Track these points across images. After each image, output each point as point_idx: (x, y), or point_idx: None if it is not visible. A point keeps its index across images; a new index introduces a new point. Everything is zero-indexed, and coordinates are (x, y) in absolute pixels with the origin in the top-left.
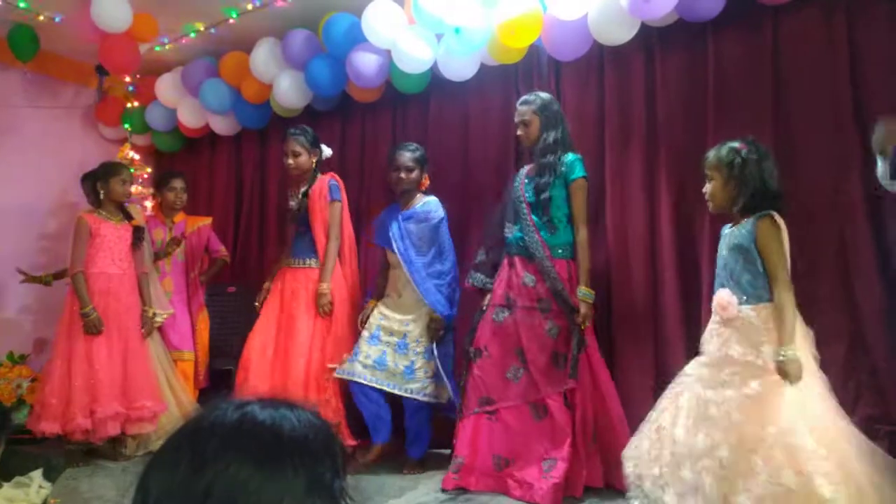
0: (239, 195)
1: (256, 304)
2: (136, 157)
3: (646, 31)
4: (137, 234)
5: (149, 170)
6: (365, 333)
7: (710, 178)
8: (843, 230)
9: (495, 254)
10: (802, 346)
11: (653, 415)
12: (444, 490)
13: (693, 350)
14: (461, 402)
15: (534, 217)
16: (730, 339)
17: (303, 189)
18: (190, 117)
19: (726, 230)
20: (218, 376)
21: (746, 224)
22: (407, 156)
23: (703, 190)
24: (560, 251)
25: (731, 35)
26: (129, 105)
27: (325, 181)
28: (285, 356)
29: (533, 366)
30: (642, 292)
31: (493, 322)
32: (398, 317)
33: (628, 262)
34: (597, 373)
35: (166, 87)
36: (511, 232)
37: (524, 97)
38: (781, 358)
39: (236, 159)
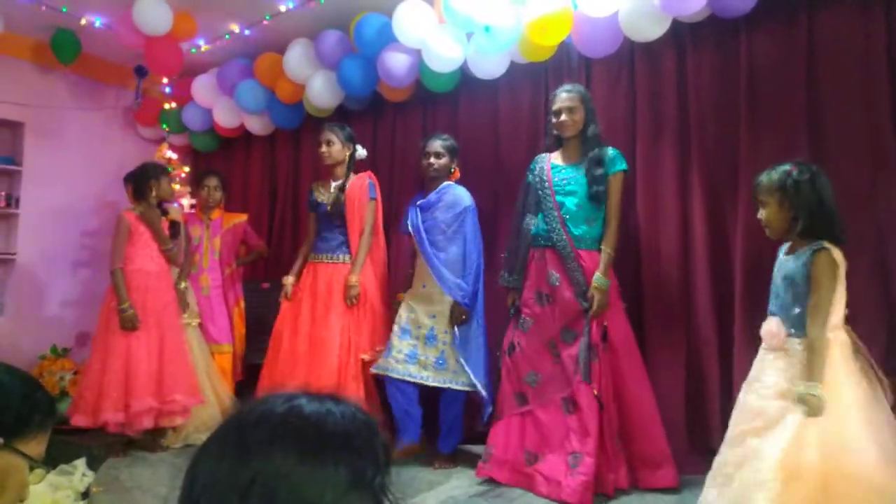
0: (273, 194)
1: (282, 298)
2: (174, 156)
3: (677, 28)
4: (174, 229)
5: (186, 169)
6: (396, 328)
7: (764, 203)
8: (881, 230)
9: (518, 249)
10: (849, 379)
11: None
12: (477, 477)
13: (725, 350)
14: (495, 400)
15: (564, 210)
16: (768, 367)
17: (335, 184)
18: (225, 117)
19: (782, 253)
20: (253, 370)
21: (802, 255)
22: (437, 143)
23: (759, 216)
24: (597, 244)
25: (765, 31)
26: (166, 106)
27: (365, 179)
28: (319, 349)
29: (563, 361)
30: (674, 291)
31: (525, 319)
32: (425, 308)
33: (659, 260)
34: (629, 370)
35: (202, 88)
36: (534, 224)
37: (566, 86)
38: (804, 391)
39: (270, 159)
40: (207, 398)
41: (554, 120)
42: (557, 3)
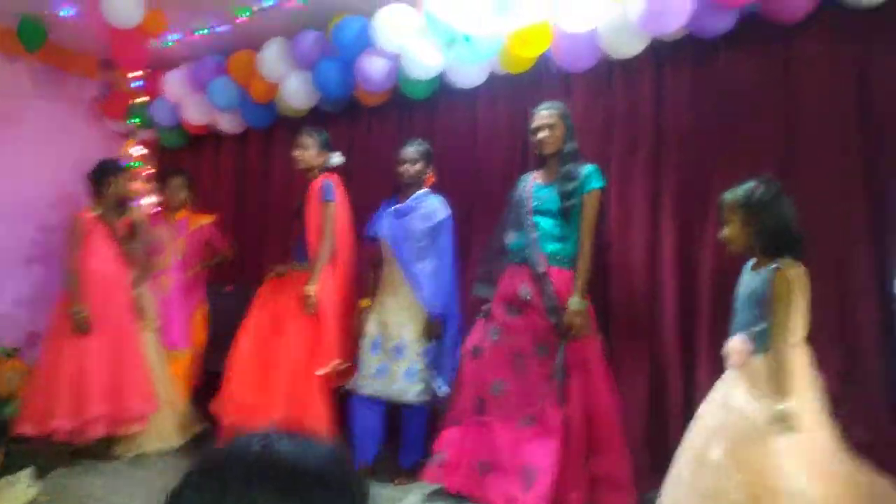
0: (242, 194)
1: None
2: (144, 151)
3: (656, 46)
4: (134, 229)
5: (152, 166)
6: (364, 344)
7: (728, 220)
8: (845, 253)
9: (497, 262)
10: (806, 395)
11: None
12: (425, 481)
13: (689, 368)
14: (451, 400)
15: (540, 227)
16: (735, 386)
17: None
18: (196, 114)
19: (747, 270)
20: (212, 377)
21: (764, 272)
22: (411, 150)
23: (722, 234)
24: (569, 263)
25: (742, 53)
26: (134, 100)
27: (319, 181)
28: (273, 361)
29: (527, 378)
30: (641, 306)
31: (495, 327)
32: (395, 319)
33: (628, 274)
34: (600, 391)
35: (173, 83)
36: (512, 240)
37: (546, 102)
38: (776, 411)
39: (240, 158)
40: (163, 406)
41: (533, 138)
42: (537, 17)
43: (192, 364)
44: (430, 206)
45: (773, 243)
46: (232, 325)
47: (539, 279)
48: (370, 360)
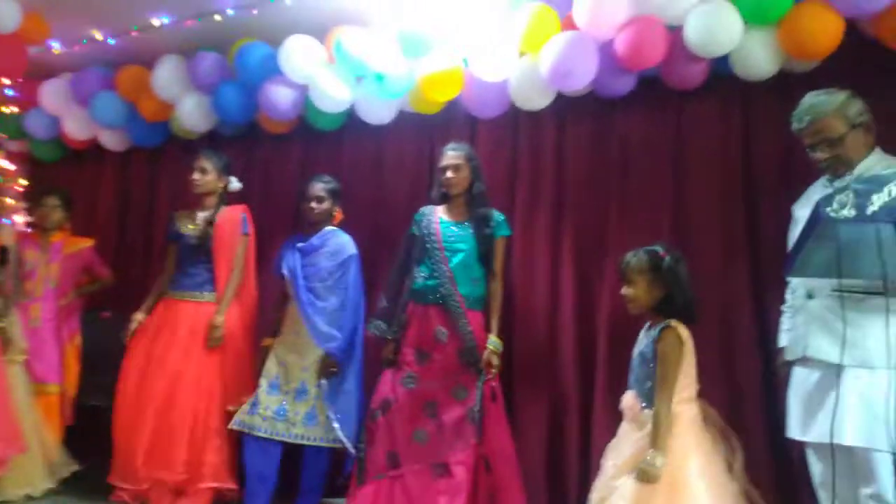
0: (124, 216)
1: (126, 335)
2: (12, 167)
3: (560, 100)
4: (1, 253)
5: (22, 181)
6: (263, 383)
7: (632, 281)
8: (730, 306)
9: (398, 301)
10: (687, 451)
11: None
12: None
13: (586, 415)
14: (363, 457)
15: (453, 265)
16: (628, 439)
17: (203, 216)
18: (76, 128)
19: (644, 329)
20: (86, 413)
21: (652, 332)
22: (319, 186)
23: (623, 291)
24: (479, 303)
25: (638, 112)
26: (3, 109)
27: (238, 213)
28: (175, 395)
29: (442, 423)
30: (542, 352)
31: (403, 379)
32: (297, 360)
33: (529, 320)
34: (499, 433)
35: (52, 94)
36: (422, 278)
37: (453, 144)
38: (647, 461)
39: (124, 177)
40: (30, 447)
41: (442, 177)
42: (450, 63)
43: (62, 400)
44: (338, 244)
45: (673, 307)
46: (110, 354)
47: (456, 318)
48: (267, 401)
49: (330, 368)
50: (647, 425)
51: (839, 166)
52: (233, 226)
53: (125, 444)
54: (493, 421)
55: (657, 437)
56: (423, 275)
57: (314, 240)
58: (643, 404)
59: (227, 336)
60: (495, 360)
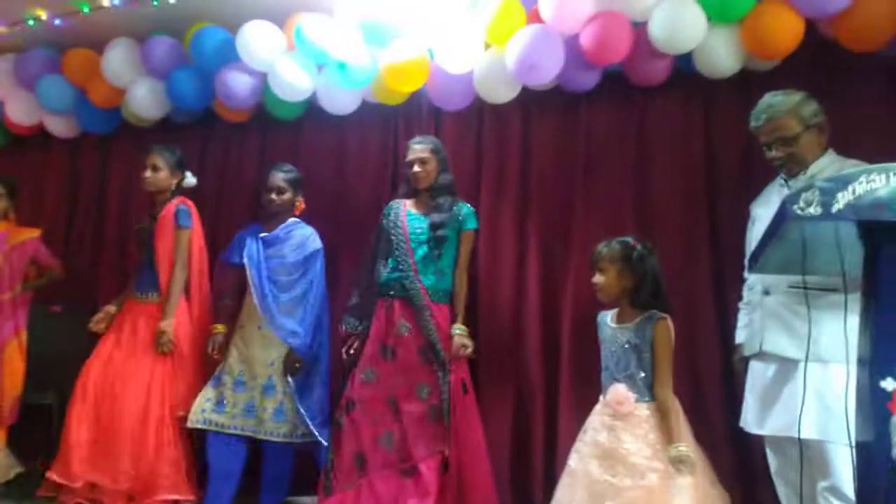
0: (73, 205)
1: (91, 325)
2: None
3: (526, 93)
4: None
5: None
6: (228, 380)
7: (603, 269)
8: (691, 300)
9: (369, 296)
10: (689, 438)
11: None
12: None
13: (551, 407)
14: (329, 466)
15: (418, 258)
16: (621, 434)
17: (153, 213)
18: (21, 113)
19: (608, 320)
20: (33, 412)
21: (642, 325)
22: (280, 176)
23: (594, 280)
24: (445, 296)
25: (603, 107)
26: None
27: (173, 205)
28: (120, 399)
29: (406, 421)
30: (507, 343)
31: (365, 373)
32: (261, 355)
33: (494, 311)
34: (471, 430)
35: None
36: (387, 271)
37: (418, 137)
38: (678, 452)
39: (72, 165)
40: None
41: (409, 171)
42: (415, 52)
43: (2, 399)
44: (302, 237)
45: (646, 297)
46: (60, 350)
47: (419, 312)
48: (235, 398)
49: (295, 364)
50: (644, 419)
51: (793, 165)
52: (168, 220)
53: (65, 440)
54: (464, 416)
55: (673, 428)
56: (388, 268)
57: (279, 231)
58: (636, 396)
59: (177, 338)
60: (467, 342)
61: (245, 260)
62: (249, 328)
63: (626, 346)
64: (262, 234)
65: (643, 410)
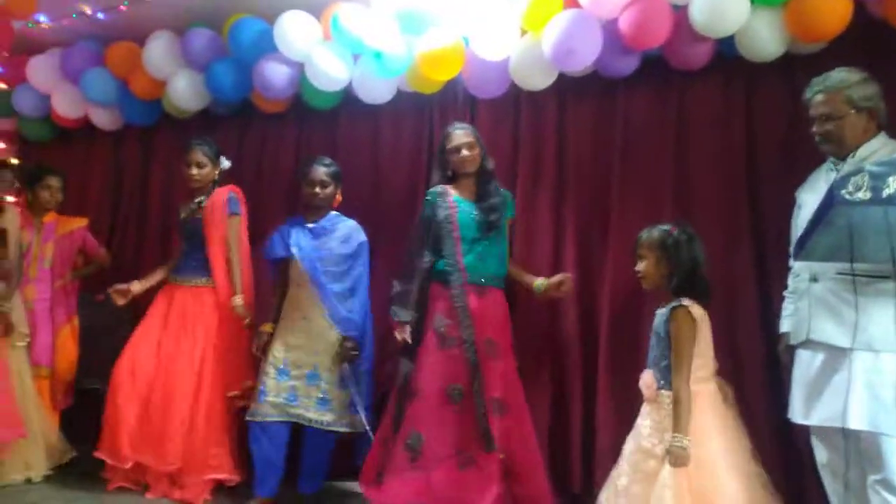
0: (117, 196)
1: (113, 291)
2: (0, 145)
3: (561, 80)
4: (1, 237)
5: (13, 161)
6: (271, 369)
7: (643, 256)
8: (732, 288)
9: (416, 284)
10: (707, 430)
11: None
12: None
13: (589, 395)
14: (381, 449)
15: (470, 244)
16: (646, 419)
17: (197, 200)
18: (66, 106)
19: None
20: (84, 396)
21: (665, 313)
22: (322, 170)
23: (637, 268)
24: (500, 282)
25: (641, 93)
26: None
27: (224, 193)
28: (171, 381)
29: (462, 411)
30: (543, 331)
31: (420, 362)
32: (306, 344)
33: (530, 299)
34: (521, 413)
35: (40, 70)
36: (441, 259)
37: (458, 124)
38: (670, 444)
39: (116, 157)
40: (32, 431)
41: (455, 157)
42: (450, 40)
43: (56, 383)
44: (348, 229)
45: (683, 284)
46: (104, 337)
47: (458, 304)
48: (278, 388)
49: (352, 352)
50: (663, 406)
51: (831, 145)
52: (220, 207)
53: (112, 421)
54: (515, 404)
55: (679, 419)
56: (442, 255)
57: (325, 223)
58: (660, 383)
59: (223, 320)
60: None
61: (295, 251)
62: (294, 319)
63: (654, 332)
64: (309, 226)
65: (664, 398)
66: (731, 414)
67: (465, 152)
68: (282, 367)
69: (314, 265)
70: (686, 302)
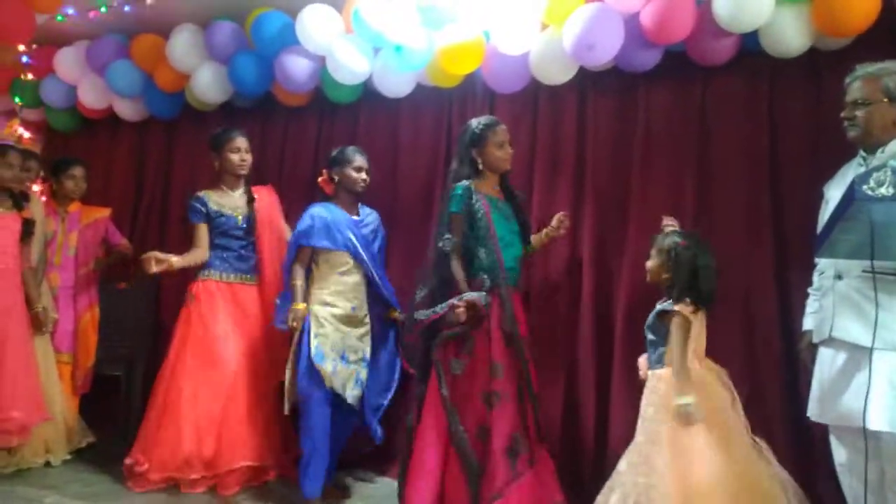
0: (140, 187)
1: (149, 256)
2: (28, 135)
3: (581, 74)
4: (27, 226)
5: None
6: (332, 353)
7: (651, 255)
8: (751, 285)
9: (446, 288)
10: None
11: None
12: None
13: (603, 383)
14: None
15: (504, 244)
16: (647, 397)
17: (236, 194)
18: (92, 97)
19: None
20: (103, 382)
21: (656, 309)
22: (364, 159)
23: (647, 263)
24: (519, 282)
25: (662, 87)
26: (21, 76)
27: (274, 194)
28: (235, 384)
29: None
30: (559, 322)
31: (503, 363)
32: (354, 332)
33: (547, 290)
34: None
35: (67, 62)
36: (480, 260)
37: (493, 118)
38: (679, 405)
39: (139, 148)
40: (55, 415)
41: (500, 152)
42: (471, 34)
43: (76, 370)
44: (376, 220)
45: (679, 294)
46: (126, 324)
47: (507, 299)
48: (344, 371)
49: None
50: (653, 387)
51: (855, 133)
52: (274, 208)
53: (173, 430)
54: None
55: (681, 384)
56: (480, 256)
57: (363, 216)
58: (653, 363)
59: (266, 318)
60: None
61: (357, 245)
62: (344, 309)
63: (647, 325)
64: (354, 218)
65: (661, 373)
66: (722, 393)
67: (508, 149)
68: (342, 353)
69: (362, 257)
70: (678, 307)
